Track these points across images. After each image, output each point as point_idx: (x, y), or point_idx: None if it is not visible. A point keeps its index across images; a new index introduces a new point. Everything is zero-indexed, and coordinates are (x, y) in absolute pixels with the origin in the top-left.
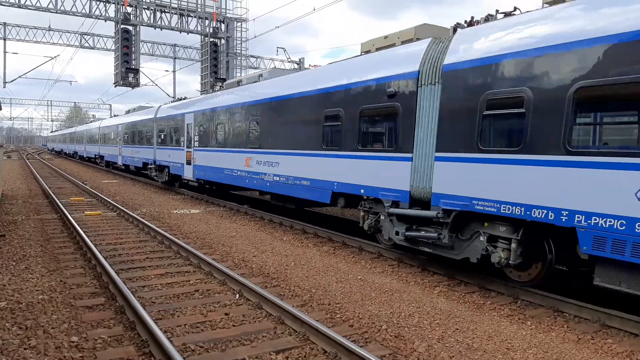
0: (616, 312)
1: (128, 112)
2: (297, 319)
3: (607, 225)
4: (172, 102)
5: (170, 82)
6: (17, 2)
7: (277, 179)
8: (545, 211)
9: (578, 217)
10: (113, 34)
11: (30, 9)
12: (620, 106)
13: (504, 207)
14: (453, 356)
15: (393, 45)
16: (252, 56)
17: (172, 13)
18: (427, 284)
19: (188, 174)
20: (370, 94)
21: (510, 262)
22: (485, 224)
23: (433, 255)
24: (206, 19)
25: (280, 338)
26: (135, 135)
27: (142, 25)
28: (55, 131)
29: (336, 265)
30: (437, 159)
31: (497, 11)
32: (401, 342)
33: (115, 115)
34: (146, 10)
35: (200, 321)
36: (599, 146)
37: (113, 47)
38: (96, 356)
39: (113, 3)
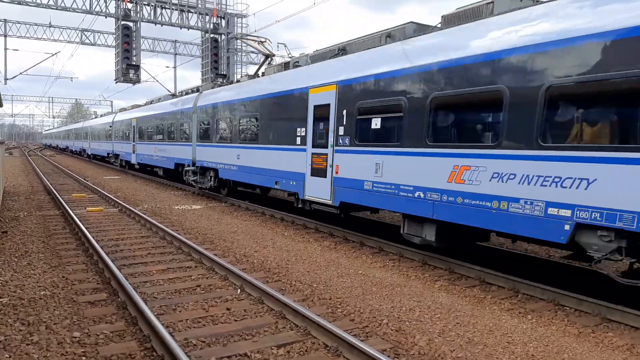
0: (617, 306)
1: (149, 102)
2: (298, 313)
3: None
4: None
5: (171, 78)
6: None
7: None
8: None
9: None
10: (114, 31)
11: (31, 5)
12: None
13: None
14: (454, 350)
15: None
16: (253, 52)
17: (172, 9)
18: (427, 279)
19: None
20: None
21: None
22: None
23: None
24: (206, 14)
25: (281, 332)
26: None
27: (143, 21)
28: (49, 129)
29: (337, 260)
30: (198, 145)
31: (221, 79)
32: (402, 336)
33: (123, 110)
34: (146, 7)
35: (202, 316)
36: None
37: (114, 44)
38: (98, 351)
39: None
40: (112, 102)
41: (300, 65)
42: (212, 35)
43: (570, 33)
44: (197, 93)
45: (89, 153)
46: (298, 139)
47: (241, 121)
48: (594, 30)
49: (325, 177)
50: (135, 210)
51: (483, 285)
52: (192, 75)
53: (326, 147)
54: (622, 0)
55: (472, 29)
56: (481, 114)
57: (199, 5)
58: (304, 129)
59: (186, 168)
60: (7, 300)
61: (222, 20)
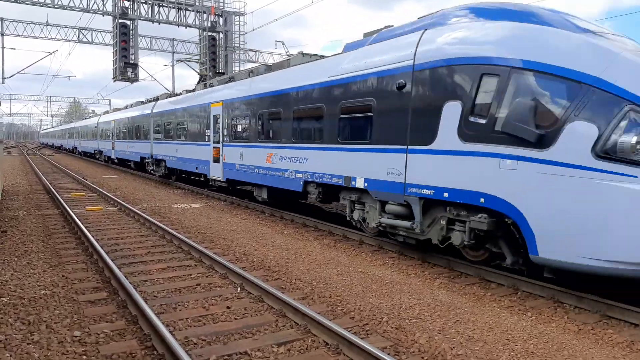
0: (616, 303)
1: (128, 106)
2: (298, 311)
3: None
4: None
5: (169, 77)
6: None
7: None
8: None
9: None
10: (111, 29)
11: (28, 4)
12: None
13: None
14: (454, 347)
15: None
16: (250, 50)
17: (170, 7)
18: (427, 276)
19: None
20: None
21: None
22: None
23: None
24: (204, 12)
25: (281, 331)
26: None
27: (140, 19)
28: (46, 129)
29: (337, 258)
30: (154, 142)
31: (170, 94)
32: (402, 333)
33: (106, 112)
34: (144, 5)
35: (202, 315)
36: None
37: (111, 42)
38: (99, 350)
39: None
40: (110, 100)
41: (213, 85)
42: (209, 34)
43: (309, 80)
44: (155, 101)
45: (80, 150)
46: (206, 138)
47: (177, 124)
48: (319, 80)
49: (219, 162)
50: (134, 209)
51: (482, 283)
52: (189, 74)
53: (219, 143)
54: (347, 62)
55: (277, 75)
56: (278, 122)
57: (197, 3)
58: (208, 131)
59: (146, 160)
60: (7, 300)
61: (220, 18)
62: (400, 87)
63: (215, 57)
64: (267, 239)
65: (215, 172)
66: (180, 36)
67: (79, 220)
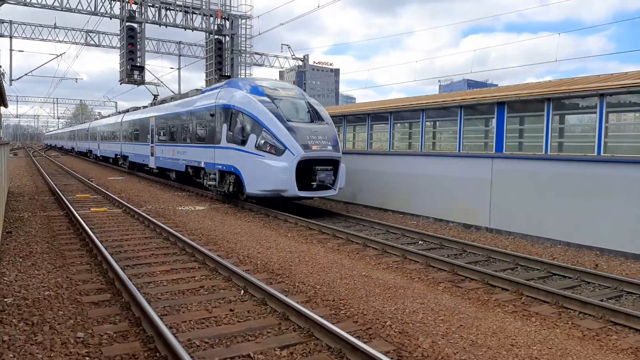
0: (621, 309)
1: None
2: (301, 315)
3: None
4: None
5: (175, 79)
6: (23, 0)
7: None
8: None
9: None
10: (118, 32)
11: (36, 7)
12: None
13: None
14: (457, 352)
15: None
16: (256, 53)
17: (177, 10)
18: (431, 280)
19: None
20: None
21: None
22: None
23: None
24: (211, 16)
25: (284, 334)
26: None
27: (147, 22)
28: (50, 131)
29: (340, 261)
30: (122, 143)
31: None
32: (405, 338)
33: (96, 119)
34: (151, 8)
35: (205, 317)
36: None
37: (118, 45)
38: (102, 352)
39: (118, 0)
40: (116, 103)
41: (154, 105)
42: (216, 37)
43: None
44: (125, 112)
45: (76, 150)
46: (149, 139)
47: (134, 130)
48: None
49: (153, 156)
50: (139, 211)
51: (486, 288)
52: (196, 77)
53: (153, 142)
54: (197, 101)
55: (174, 103)
56: (174, 131)
57: (204, 7)
58: (149, 135)
59: (118, 156)
60: (11, 300)
61: (227, 21)
62: (212, 115)
63: (221, 60)
64: (270, 241)
65: (152, 163)
66: (186, 39)
67: (84, 221)
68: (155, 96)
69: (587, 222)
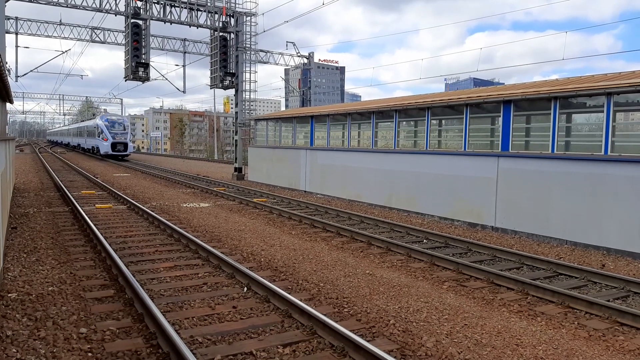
0: (628, 309)
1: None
2: (304, 312)
3: None
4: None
5: (180, 77)
6: None
7: None
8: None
9: None
10: (123, 29)
11: (41, 3)
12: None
13: None
14: (461, 352)
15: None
16: (261, 50)
17: (181, 7)
18: (435, 279)
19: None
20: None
21: None
22: None
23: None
24: (216, 13)
25: (287, 332)
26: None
27: (152, 19)
28: (51, 129)
29: (344, 259)
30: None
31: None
32: (409, 336)
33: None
34: (156, 5)
35: (208, 314)
36: None
37: (123, 42)
38: (104, 347)
39: None
40: (122, 99)
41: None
42: (220, 34)
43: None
44: (91, 119)
45: (64, 143)
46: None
47: (87, 132)
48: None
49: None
50: (143, 208)
51: (492, 287)
52: (201, 74)
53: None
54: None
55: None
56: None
57: (209, 4)
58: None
59: (81, 147)
60: (15, 296)
61: (232, 18)
62: (94, 128)
63: (226, 57)
64: (274, 239)
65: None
66: (191, 36)
67: (89, 217)
68: (94, 114)
69: (594, 221)
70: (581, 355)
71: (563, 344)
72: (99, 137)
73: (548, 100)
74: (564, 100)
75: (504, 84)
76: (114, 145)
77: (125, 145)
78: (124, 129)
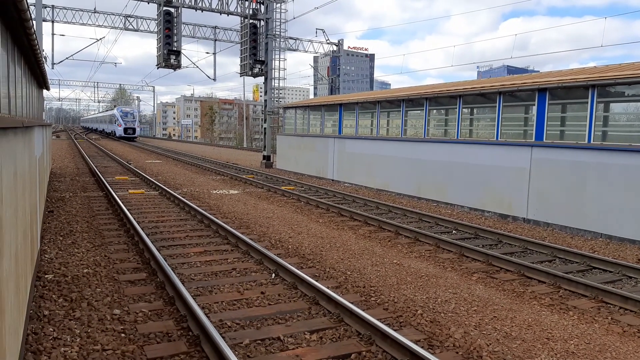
0: None
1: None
2: (331, 300)
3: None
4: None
5: (210, 64)
6: None
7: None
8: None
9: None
10: (156, 16)
11: None
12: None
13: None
14: (490, 344)
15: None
16: (291, 38)
17: None
18: (464, 271)
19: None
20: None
21: None
22: None
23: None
24: (246, 0)
25: (314, 318)
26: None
27: (184, 7)
28: (84, 117)
29: (372, 248)
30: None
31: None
32: (437, 327)
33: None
34: None
35: (237, 299)
36: None
37: (156, 30)
38: (137, 329)
39: None
40: (154, 87)
41: (115, 107)
42: (250, 21)
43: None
44: (113, 109)
45: (93, 128)
46: (115, 123)
47: (108, 120)
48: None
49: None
50: (174, 194)
51: (522, 280)
52: (230, 62)
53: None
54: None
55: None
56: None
57: None
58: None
59: (106, 132)
60: (52, 277)
61: (262, 5)
62: (111, 117)
63: (255, 44)
64: (302, 226)
65: (119, 133)
66: (222, 24)
67: (122, 202)
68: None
69: (631, 214)
70: (614, 350)
71: (595, 338)
72: (115, 123)
73: (585, 89)
74: (601, 88)
75: (538, 71)
76: (125, 130)
77: (134, 129)
78: (134, 118)
